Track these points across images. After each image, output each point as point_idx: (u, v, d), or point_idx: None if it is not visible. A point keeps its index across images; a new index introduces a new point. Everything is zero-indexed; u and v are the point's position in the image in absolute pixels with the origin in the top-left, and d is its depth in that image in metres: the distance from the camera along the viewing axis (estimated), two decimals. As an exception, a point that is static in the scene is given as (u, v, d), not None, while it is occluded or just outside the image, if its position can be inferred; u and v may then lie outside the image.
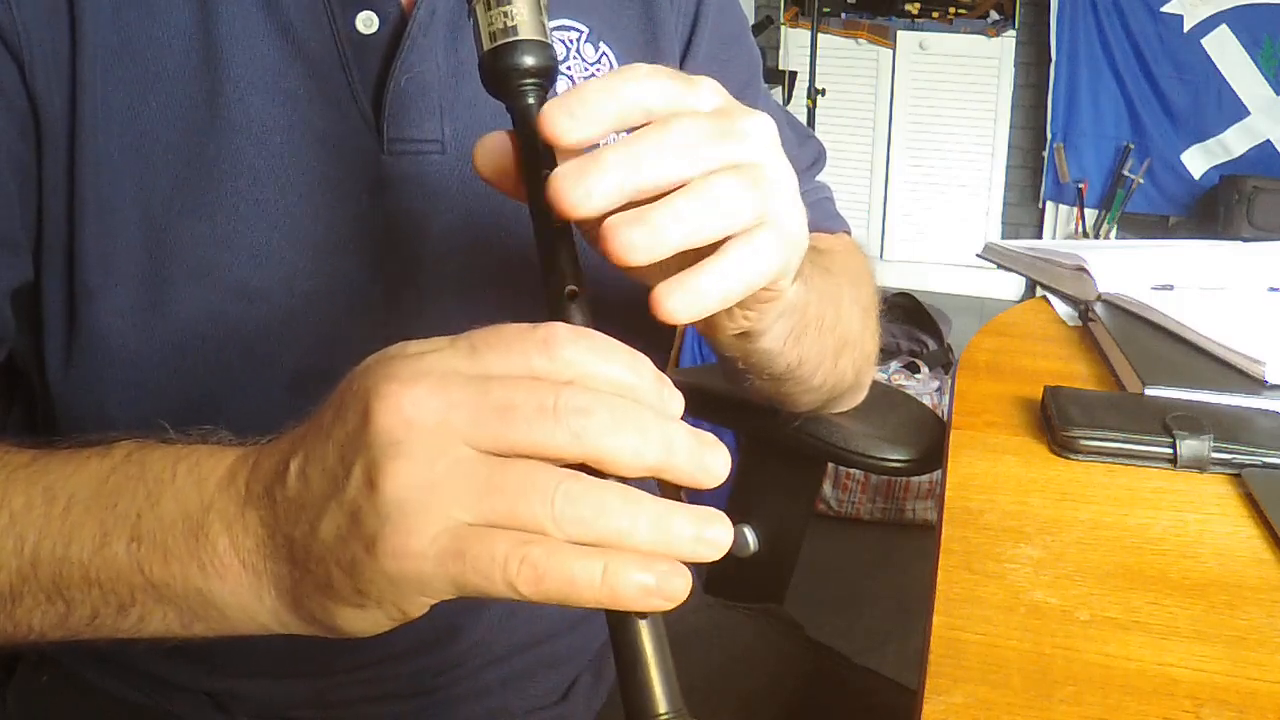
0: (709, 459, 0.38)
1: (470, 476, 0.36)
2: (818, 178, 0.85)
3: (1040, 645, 0.48)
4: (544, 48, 0.44)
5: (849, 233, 0.85)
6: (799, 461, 0.98)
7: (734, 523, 0.97)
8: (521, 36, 0.43)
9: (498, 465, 0.36)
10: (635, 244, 0.39)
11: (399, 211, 0.60)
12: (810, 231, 0.80)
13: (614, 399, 0.37)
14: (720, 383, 0.74)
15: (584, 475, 0.36)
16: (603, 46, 0.67)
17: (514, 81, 0.44)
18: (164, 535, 0.43)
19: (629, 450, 0.36)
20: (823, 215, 0.81)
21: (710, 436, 0.39)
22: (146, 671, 0.66)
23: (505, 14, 0.43)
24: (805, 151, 0.83)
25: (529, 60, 0.44)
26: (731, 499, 1.01)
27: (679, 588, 0.36)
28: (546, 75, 0.44)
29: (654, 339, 0.72)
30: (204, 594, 0.43)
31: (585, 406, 0.36)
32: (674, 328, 0.75)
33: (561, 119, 0.40)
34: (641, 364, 0.39)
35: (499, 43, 0.43)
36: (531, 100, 0.44)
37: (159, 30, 0.56)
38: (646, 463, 0.37)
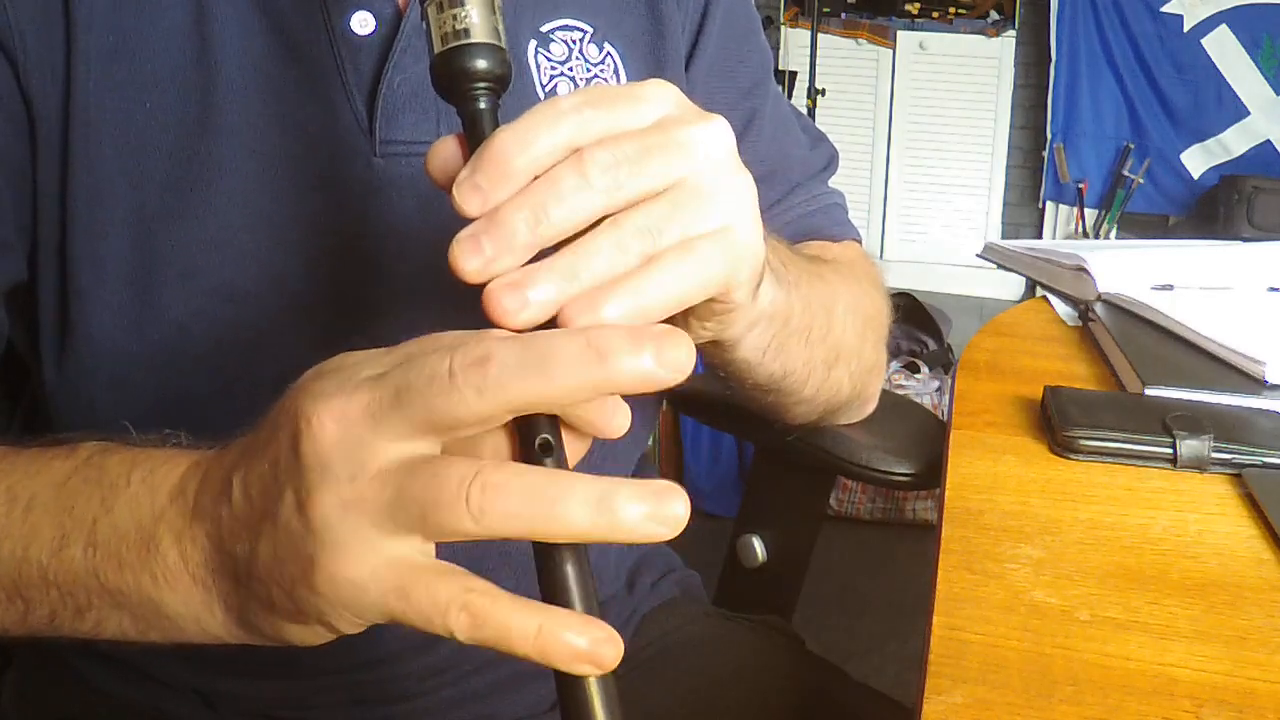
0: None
1: (380, 492, 0.35)
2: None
3: (1040, 645, 0.48)
4: (497, 51, 0.43)
5: (859, 240, 0.82)
6: (808, 473, 0.97)
7: (743, 533, 0.97)
8: (474, 40, 0.43)
9: (406, 474, 0.35)
10: (510, 310, 0.37)
11: (390, 214, 0.59)
12: (816, 239, 0.80)
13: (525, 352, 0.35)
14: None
15: (505, 464, 0.35)
16: (607, 47, 0.66)
17: (464, 85, 0.43)
18: (118, 543, 0.43)
19: (534, 391, 0.34)
20: (830, 221, 0.79)
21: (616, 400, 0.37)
22: (138, 668, 0.66)
23: (456, 16, 0.43)
24: (817, 155, 0.81)
25: (481, 64, 0.43)
26: (742, 509, 1.01)
27: (610, 656, 0.34)
28: (499, 80, 0.43)
29: None
30: (156, 604, 0.42)
31: (485, 355, 0.34)
32: None
33: (469, 197, 0.38)
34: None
35: (449, 45, 0.43)
36: (483, 105, 0.43)
37: (154, 31, 0.56)
38: (555, 392, 0.34)
